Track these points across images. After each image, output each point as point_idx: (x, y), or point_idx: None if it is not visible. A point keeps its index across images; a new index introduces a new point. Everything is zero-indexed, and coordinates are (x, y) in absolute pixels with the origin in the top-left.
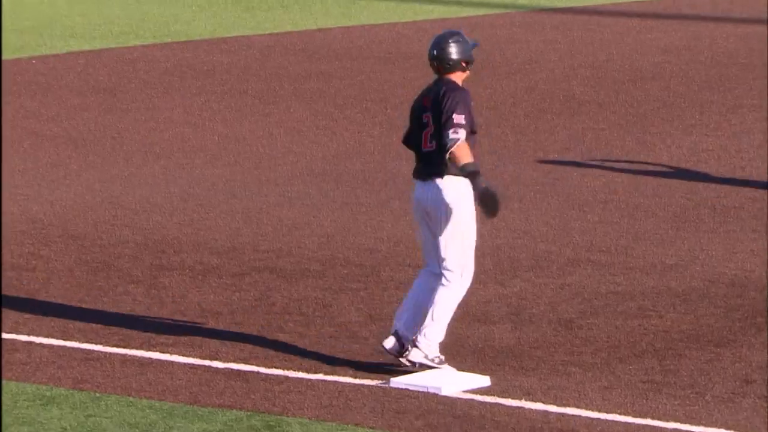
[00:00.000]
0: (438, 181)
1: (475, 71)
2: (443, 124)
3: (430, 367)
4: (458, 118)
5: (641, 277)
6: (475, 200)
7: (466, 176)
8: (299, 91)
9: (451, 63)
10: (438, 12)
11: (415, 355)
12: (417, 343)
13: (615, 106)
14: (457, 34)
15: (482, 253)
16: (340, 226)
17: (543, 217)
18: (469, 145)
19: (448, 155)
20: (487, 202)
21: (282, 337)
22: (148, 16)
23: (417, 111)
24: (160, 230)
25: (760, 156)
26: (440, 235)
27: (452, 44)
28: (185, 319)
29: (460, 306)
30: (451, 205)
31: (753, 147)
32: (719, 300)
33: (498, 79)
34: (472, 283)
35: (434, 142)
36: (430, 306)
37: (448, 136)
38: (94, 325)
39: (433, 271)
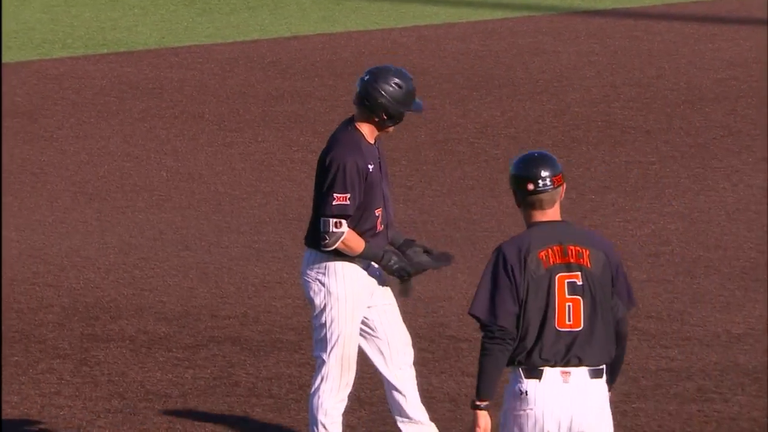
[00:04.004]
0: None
1: (492, 91)
2: (317, 202)
3: None
4: (339, 200)
5: (701, 351)
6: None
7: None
8: (269, 114)
9: (367, 102)
10: (444, 15)
11: None
12: None
13: (667, 134)
14: (405, 78)
15: None
16: None
17: None
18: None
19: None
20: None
21: (248, 426)
22: (78, 21)
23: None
24: (93, 291)
25: None
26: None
27: (386, 84)
28: (124, 402)
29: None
30: (321, 286)
31: None
32: None
33: (520, 100)
34: None
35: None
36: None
37: (327, 226)
38: (9, 410)
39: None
